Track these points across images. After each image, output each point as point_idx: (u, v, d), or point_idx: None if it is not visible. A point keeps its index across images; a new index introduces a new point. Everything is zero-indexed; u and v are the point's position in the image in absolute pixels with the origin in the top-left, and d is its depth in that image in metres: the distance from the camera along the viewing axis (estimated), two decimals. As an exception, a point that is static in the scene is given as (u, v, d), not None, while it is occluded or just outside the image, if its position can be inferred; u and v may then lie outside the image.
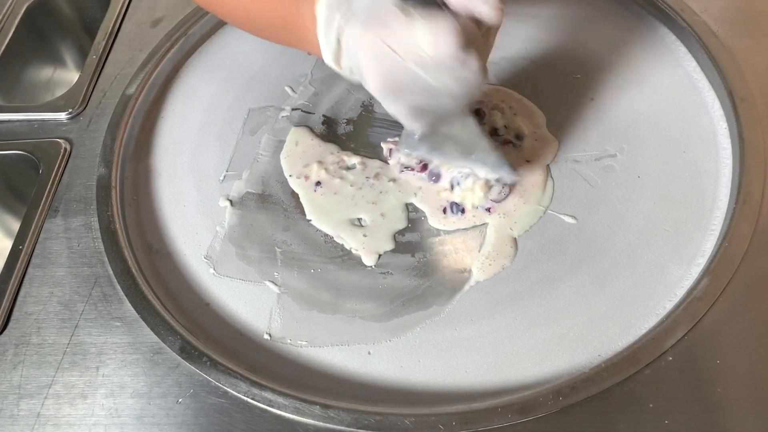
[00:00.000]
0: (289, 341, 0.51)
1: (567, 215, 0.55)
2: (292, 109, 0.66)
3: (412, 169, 0.58)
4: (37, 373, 0.50)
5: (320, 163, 0.60)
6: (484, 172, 0.55)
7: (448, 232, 0.55)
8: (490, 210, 0.55)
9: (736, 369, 0.45)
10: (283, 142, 0.63)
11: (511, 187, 0.56)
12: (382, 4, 0.43)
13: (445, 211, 0.56)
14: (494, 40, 0.49)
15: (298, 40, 0.50)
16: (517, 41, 0.68)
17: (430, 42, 0.42)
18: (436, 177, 0.57)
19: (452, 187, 0.56)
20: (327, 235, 0.56)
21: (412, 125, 0.50)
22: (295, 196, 0.59)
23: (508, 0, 0.45)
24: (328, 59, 0.47)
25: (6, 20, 0.77)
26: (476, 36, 0.44)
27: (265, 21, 0.53)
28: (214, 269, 0.55)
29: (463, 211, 0.56)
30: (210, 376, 0.48)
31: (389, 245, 0.55)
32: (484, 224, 0.55)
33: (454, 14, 0.43)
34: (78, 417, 0.47)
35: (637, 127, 0.60)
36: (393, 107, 0.48)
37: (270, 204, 0.59)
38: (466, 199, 0.56)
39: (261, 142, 0.64)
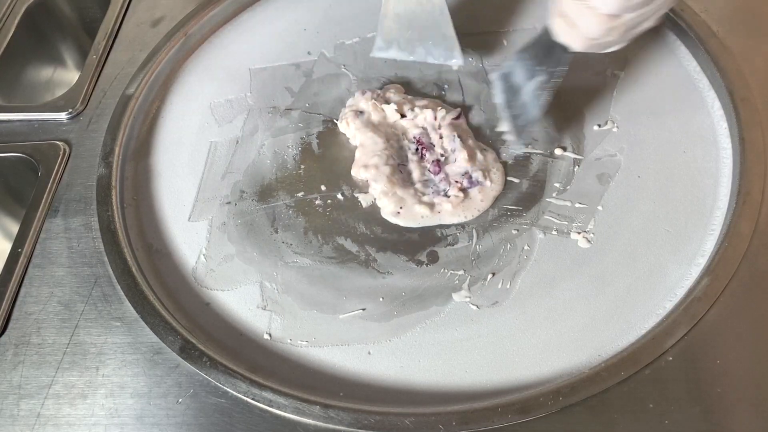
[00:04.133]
0: (289, 341, 0.51)
1: (567, 216, 0.55)
2: (292, 110, 0.66)
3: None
4: (37, 373, 0.50)
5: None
6: (434, 58, 0.54)
7: (448, 232, 0.56)
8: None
9: (736, 369, 0.45)
10: (283, 141, 0.63)
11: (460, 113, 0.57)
12: None
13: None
14: None
15: None
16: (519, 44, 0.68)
17: None
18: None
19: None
20: (327, 235, 0.56)
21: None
22: (295, 195, 0.59)
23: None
24: None
25: (6, 20, 0.77)
26: None
27: None
28: (214, 269, 0.55)
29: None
30: (210, 376, 0.48)
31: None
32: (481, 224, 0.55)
33: None
34: (78, 417, 0.47)
35: (637, 127, 0.60)
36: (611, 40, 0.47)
37: (270, 204, 0.59)
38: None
39: (261, 142, 0.64)
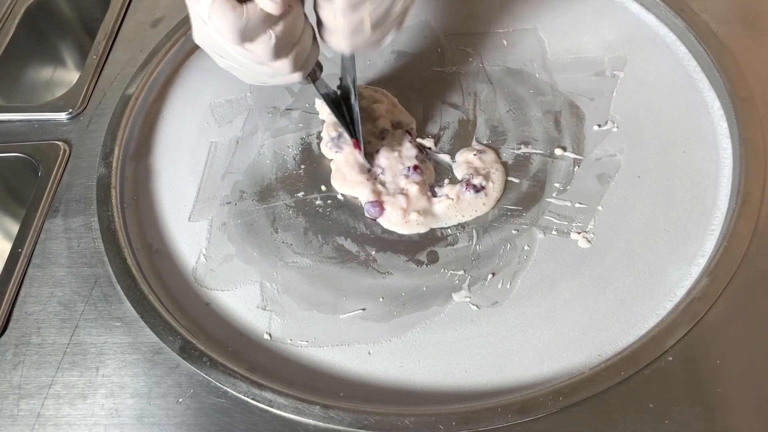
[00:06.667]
0: (289, 341, 0.51)
1: (567, 216, 0.55)
2: (292, 110, 0.66)
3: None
4: (37, 373, 0.50)
5: None
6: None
7: (447, 232, 0.56)
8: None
9: (736, 369, 0.45)
10: (283, 141, 0.63)
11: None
12: None
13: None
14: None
15: None
16: (521, 48, 0.68)
17: (208, 18, 0.42)
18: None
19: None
20: (327, 235, 0.56)
21: (246, 80, 0.50)
22: (295, 195, 0.59)
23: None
24: None
25: (6, 20, 0.77)
26: (268, 23, 0.43)
27: None
28: (214, 269, 0.55)
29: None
30: (210, 376, 0.48)
31: None
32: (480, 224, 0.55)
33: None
34: (78, 417, 0.47)
35: (637, 127, 0.60)
36: (219, 63, 0.48)
37: (270, 204, 0.59)
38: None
39: (261, 142, 0.64)
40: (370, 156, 0.59)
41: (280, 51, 0.45)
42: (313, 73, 0.53)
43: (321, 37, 0.49)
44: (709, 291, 0.48)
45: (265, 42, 0.44)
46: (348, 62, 0.55)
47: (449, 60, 0.68)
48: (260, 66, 0.46)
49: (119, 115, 0.65)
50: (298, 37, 0.46)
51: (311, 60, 0.50)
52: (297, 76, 0.48)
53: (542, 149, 0.60)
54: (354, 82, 0.56)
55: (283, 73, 0.47)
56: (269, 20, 0.43)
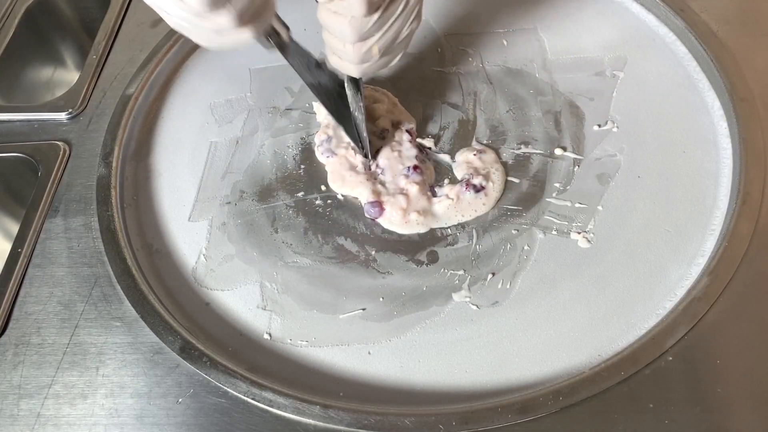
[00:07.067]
0: (289, 341, 0.51)
1: (567, 216, 0.55)
2: (292, 110, 0.66)
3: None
4: (37, 373, 0.50)
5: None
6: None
7: (447, 232, 0.56)
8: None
9: (736, 369, 0.45)
10: (283, 141, 0.63)
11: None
12: None
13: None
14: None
15: None
16: (521, 48, 0.69)
17: None
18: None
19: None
20: (327, 235, 0.56)
21: (199, 42, 0.46)
22: (295, 195, 0.59)
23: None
24: None
25: (6, 20, 0.77)
26: None
27: None
28: (214, 269, 0.55)
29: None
30: (210, 376, 0.48)
31: None
32: (479, 225, 0.55)
33: None
34: (78, 417, 0.47)
35: (637, 127, 0.60)
36: (168, 21, 0.44)
37: (270, 204, 0.59)
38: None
39: (261, 142, 0.64)
40: (372, 156, 0.59)
41: None
42: (275, 35, 0.47)
43: (330, 62, 0.50)
44: (709, 291, 0.48)
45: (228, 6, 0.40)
46: (353, 90, 0.55)
47: (449, 60, 0.68)
48: (202, 21, 0.41)
49: (119, 115, 0.65)
50: None
51: (263, 12, 0.43)
52: (247, 33, 0.43)
53: (542, 149, 0.60)
54: (361, 104, 0.55)
55: (227, 27, 0.42)
56: None
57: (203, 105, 0.67)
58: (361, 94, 0.55)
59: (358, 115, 0.56)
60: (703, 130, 0.59)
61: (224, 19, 0.41)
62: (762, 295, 0.48)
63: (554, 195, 0.57)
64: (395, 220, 0.56)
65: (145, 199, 0.60)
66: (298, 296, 0.53)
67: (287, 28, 0.49)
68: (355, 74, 0.50)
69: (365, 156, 0.59)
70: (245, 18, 0.42)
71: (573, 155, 0.59)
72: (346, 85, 0.54)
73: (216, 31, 0.43)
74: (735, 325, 0.47)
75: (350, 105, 0.56)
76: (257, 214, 0.59)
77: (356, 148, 0.59)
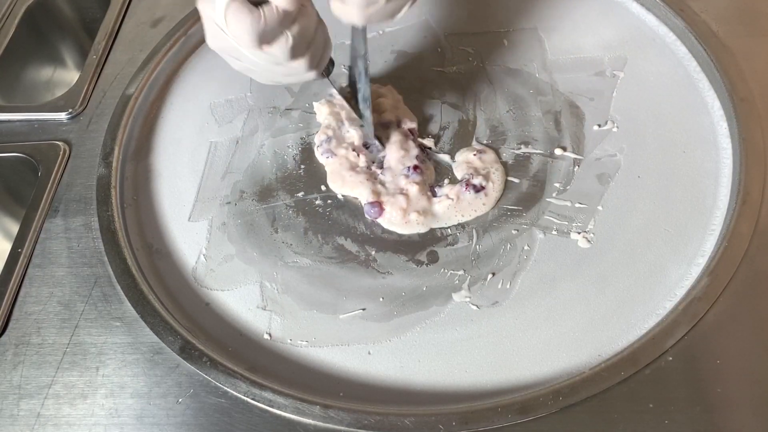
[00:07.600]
0: (289, 341, 0.51)
1: (567, 216, 0.55)
2: (292, 110, 0.66)
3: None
4: (37, 373, 0.50)
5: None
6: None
7: (447, 232, 0.56)
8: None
9: (736, 369, 0.45)
10: (283, 141, 0.63)
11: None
12: None
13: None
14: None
15: None
16: (521, 48, 0.69)
17: (224, 23, 0.42)
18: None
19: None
20: (327, 235, 0.56)
21: (261, 80, 0.50)
22: (295, 195, 0.59)
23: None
24: None
25: (6, 20, 0.77)
26: (284, 24, 0.43)
27: None
28: (214, 269, 0.55)
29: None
30: (210, 376, 0.48)
31: None
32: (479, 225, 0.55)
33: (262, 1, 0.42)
34: (78, 417, 0.47)
35: (637, 127, 0.60)
36: (234, 65, 0.49)
37: (270, 204, 0.59)
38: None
39: (261, 142, 0.64)
40: (379, 139, 0.59)
41: (296, 51, 0.45)
42: (326, 70, 0.53)
43: (332, 9, 0.47)
44: (709, 291, 0.48)
45: (283, 43, 0.44)
46: (359, 37, 0.52)
47: (449, 60, 0.68)
48: (277, 66, 0.46)
49: (119, 115, 0.65)
50: (312, 36, 0.46)
51: (325, 57, 0.50)
52: (312, 74, 0.49)
53: (542, 149, 0.60)
54: (366, 58, 0.54)
55: (300, 72, 0.48)
56: (285, 21, 0.43)
57: (203, 105, 0.67)
58: (365, 48, 0.53)
59: (362, 69, 0.55)
60: (703, 130, 0.59)
61: (299, 65, 0.47)
62: (762, 295, 0.48)
63: (554, 195, 0.57)
64: (395, 220, 0.56)
65: (145, 199, 0.60)
66: (298, 296, 0.53)
67: (333, 63, 0.54)
68: (359, 21, 0.47)
69: (359, 116, 0.59)
70: (314, 63, 0.48)
71: (573, 155, 0.59)
72: (351, 37, 0.53)
73: (285, 75, 0.48)
74: (735, 325, 0.47)
75: (351, 58, 0.55)
76: (257, 214, 0.59)
77: (356, 110, 0.58)
